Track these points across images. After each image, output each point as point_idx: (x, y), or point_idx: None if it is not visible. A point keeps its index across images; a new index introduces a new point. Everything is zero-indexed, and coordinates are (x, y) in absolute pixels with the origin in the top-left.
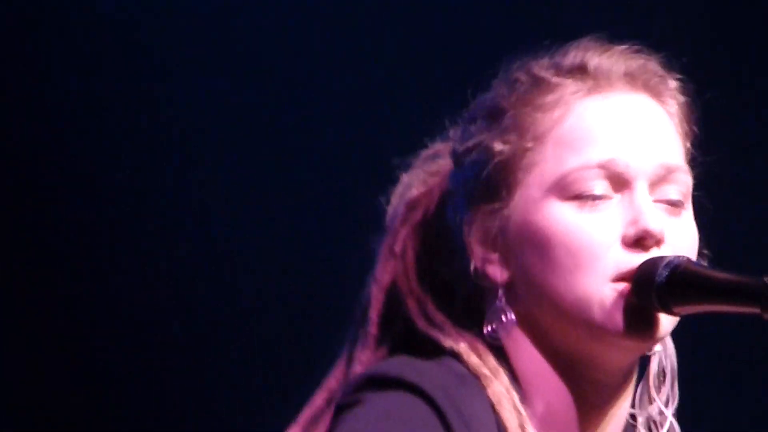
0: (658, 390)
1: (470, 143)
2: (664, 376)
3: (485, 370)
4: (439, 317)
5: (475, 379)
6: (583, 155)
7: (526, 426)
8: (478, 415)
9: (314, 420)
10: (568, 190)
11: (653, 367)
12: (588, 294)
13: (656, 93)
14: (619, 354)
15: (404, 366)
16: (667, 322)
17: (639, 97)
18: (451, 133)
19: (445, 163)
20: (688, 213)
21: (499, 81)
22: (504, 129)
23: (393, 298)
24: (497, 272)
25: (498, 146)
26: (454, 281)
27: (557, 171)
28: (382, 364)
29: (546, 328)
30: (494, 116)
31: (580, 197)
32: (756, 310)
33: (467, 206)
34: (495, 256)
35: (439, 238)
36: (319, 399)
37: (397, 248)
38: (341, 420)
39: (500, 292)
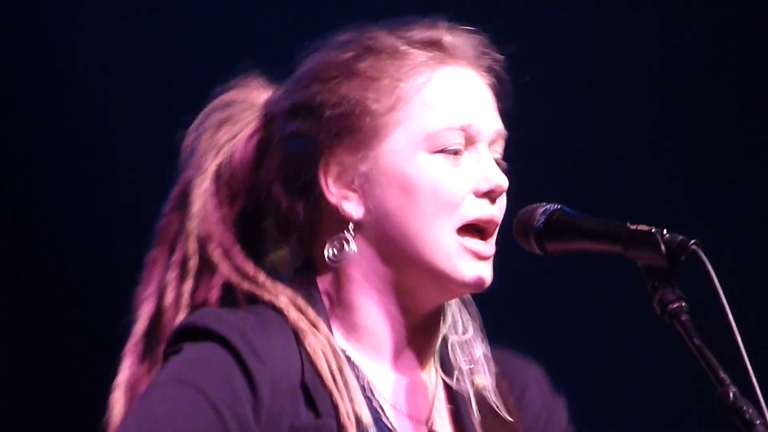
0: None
1: (334, 99)
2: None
3: (303, 324)
4: (250, 268)
5: (280, 322)
6: (447, 118)
7: (343, 368)
8: (276, 353)
9: (137, 344)
10: (434, 145)
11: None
12: (439, 239)
13: (489, 71)
14: (448, 294)
15: (209, 316)
16: (491, 274)
17: (480, 72)
18: (270, 94)
19: (249, 120)
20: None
21: (350, 45)
22: (372, 89)
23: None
24: (353, 208)
25: (371, 104)
26: (280, 225)
27: (425, 129)
28: (192, 316)
29: (387, 263)
30: (356, 77)
31: (444, 151)
32: (618, 249)
33: (324, 151)
34: (353, 195)
35: (254, 189)
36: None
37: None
38: (162, 367)
39: (351, 225)
